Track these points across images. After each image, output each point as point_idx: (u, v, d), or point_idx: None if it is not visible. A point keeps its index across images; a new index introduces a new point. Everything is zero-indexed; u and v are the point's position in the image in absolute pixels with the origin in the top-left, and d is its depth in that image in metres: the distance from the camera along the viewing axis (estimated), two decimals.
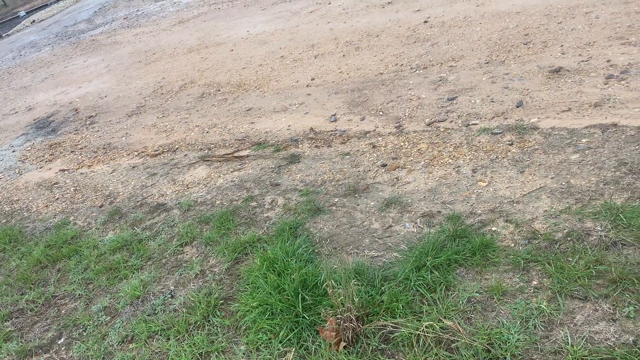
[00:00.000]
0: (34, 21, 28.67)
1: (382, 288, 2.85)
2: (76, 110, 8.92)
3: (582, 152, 3.53)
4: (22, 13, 35.00)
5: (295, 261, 3.19)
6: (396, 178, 3.99)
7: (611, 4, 5.62)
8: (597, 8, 5.66)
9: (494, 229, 3.11)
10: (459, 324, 2.52)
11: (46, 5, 34.28)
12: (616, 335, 2.27)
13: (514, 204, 3.26)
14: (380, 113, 5.23)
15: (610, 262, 2.59)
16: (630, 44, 4.77)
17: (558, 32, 5.49)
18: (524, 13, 6.21)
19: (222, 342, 2.90)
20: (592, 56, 4.80)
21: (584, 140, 3.67)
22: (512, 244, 2.94)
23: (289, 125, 5.63)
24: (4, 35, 27.08)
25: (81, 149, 6.98)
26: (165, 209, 4.62)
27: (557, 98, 4.38)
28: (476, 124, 4.42)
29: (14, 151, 7.84)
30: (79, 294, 3.75)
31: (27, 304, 3.83)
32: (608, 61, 4.62)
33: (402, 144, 4.49)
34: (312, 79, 6.71)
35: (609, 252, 2.67)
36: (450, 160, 3.98)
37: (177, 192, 4.89)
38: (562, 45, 5.19)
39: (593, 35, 5.14)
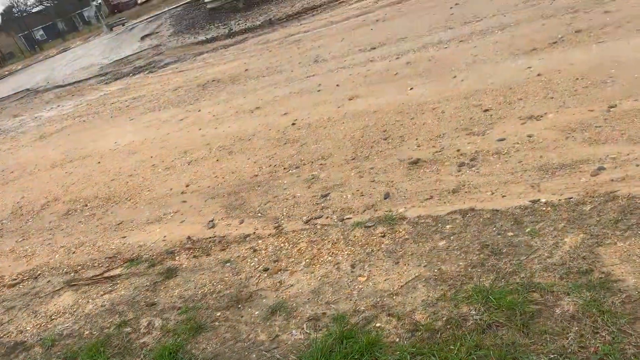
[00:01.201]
0: None
1: None
2: None
3: (448, 238, 3.76)
4: None
5: None
6: (279, 282, 3.93)
7: (453, 100, 6.32)
8: (442, 104, 6.32)
9: (378, 325, 3.12)
10: None
11: None
12: None
13: (394, 297, 3.32)
14: (259, 214, 5.23)
15: (489, 346, 2.69)
16: (474, 134, 5.34)
17: (412, 126, 6.01)
18: (380, 111, 6.76)
19: None
20: (444, 147, 5.28)
21: (447, 226, 3.93)
22: (397, 339, 2.96)
23: (165, 236, 5.41)
24: None
25: None
26: (25, 347, 4.08)
27: (419, 187, 4.70)
28: (350, 217, 4.56)
29: None
30: None
31: None
32: (458, 150, 5.10)
33: (282, 245, 4.48)
34: (187, 186, 6.60)
35: (486, 335, 2.78)
36: (329, 258, 4.02)
37: (38, 325, 4.37)
38: (417, 139, 5.67)
39: (442, 128, 5.70)
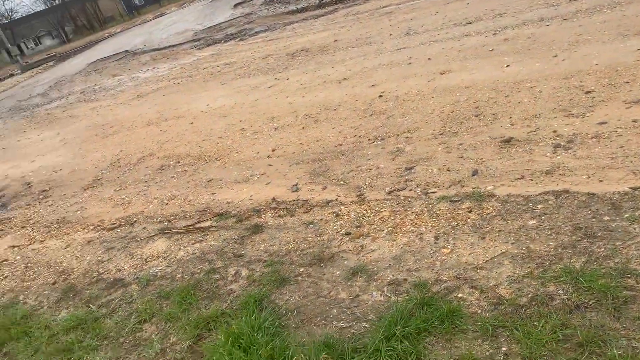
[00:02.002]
0: None
1: None
2: (29, 184, 8.67)
3: (539, 218, 3.66)
4: None
5: (262, 335, 3.09)
6: (361, 246, 4.01)
7: (552, 79, 6.04)
8: (540, 83, 6.06)
9: (460, 295, 3.13)
10: None
11: None
12: None
13: (478, 270, 3.31)
14: (342, 182, 5.31)
15: (576, 326, 2.63)
16: (573, 115, 5.10)
17: (506, 104, 5.82)
18: (473, 87, 6.59)
19: None
20: (539, 127, 5.08)
21: (539, 206, 3.82)
22: (479, 310, 2.96)
23: (251, 196, 5.63)
24: None
25: (33, 224, 6.73)
26: (123, 284, 4.45)
27: (510, 166, 4.58)
28: (435, 192, 4.54)
29: None
30: None
31: None
32: (554, 131, 4.90)
33: (364, 212, 4.55)
34: (273, 150, 6.80)
35: (573, 315, 2.72)
36: (412, 228, 4.04)
37: (135, 266, 4.74)
38: (510, 117, 5.49)
39: (538, 108, 5.48)
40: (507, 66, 6.96)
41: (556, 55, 6.76)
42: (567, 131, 4.84)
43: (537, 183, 4.19)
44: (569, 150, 4.52)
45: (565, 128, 4.91)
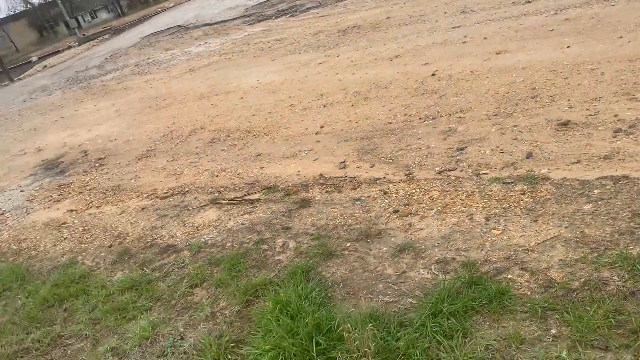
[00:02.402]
0: (45, 66, 29.41)
1: (398, 334, 2.81)
2: (85, 152, 9.03)
3: (595, 203, 3.56)
4: (34, 58, 35.94)
5: (309, 304, 3.16)
6: (409, 224, 4.00)
7: (616, 62, 5.79)
8: (602, 65, 5.82)
9: (509, 276, 3.10)
10: None
11: (58, 52, 35.26)
12: None
13: (529, 253, 3.26)
14: (390, 161, 5.29)
15: (630, 312, 2.57)
16: (637, 99, 4.88)
17: (565, 87, 5.62)
18: (530, 68, 6.38)
19: None
20: (599, 111, 4.90)
21: (596, 191, 3.71)
22: (529, 292, 2.93)
23: (299, 171, 5.68)
24: (15, 79, 27.69)
25: (90, 190, 7.03)
26: (175, 250, 4.61)
27: (567, 150, 4.44)
28: (487, 173, 4.47)
29: (22, 191, 7.89)
30: (86, 334, 3.70)
31: (32, 343, 3.77)
32: (615, 116, 4.71)
33: (413, 190, 4.53)
34: (321, 127, 6.82)
35: (628, 302, 2.65)
36: (462, 208, 4.00)
37: (187, 233, 4.89)
38: (569, 100, 5.31)
39: (599, 91, 5.27)
40: (568, 47, 6.70)
41: (621, 37, 6.45)
42: (630, 115, 4.65)
43: (594, 168, 4.06)
44: (631, 136, 4.34)
45: (627, 112, 4.71)
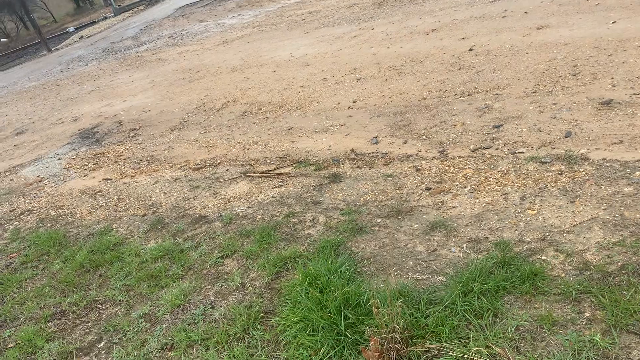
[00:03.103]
0: (82, 37, 29.81)
1: (427, 311, 2.80)
2: (120, 122, 9.17)
3: (637, 185, 3.44)
4: (71, 29, 36.48)
5: (338, 279, 3.17)
6: (441, 202, 3.95)
7: None
8: None
9: (543, 257, 3.03)
10: (507, 352, 2.45)
11: (94, 22, 35.68)
12: None
13: (565, 234, 3.18)
14: (423, 137, 5.21)
15: None
16: None
17: (608, 64, 5.41)
18: (572, 45, 6.16)
19: (262, 355, 2.89)
20: None
21: (637, 173, 3.58)
22: (563, 274, 2.86)
23: (330, 146, 5.66)
24: (53, 49, 28.20)
25: (124, 159, 7.15)
26: (207, 221, 4.67)
27: (608, 130, 4.29)
28: (523, 152, 4.36)
29: (59, 159, 8.08)
30: (120, 300, 3.80)
31: (69, 306, 3.90)
32: None
33: (446, 168, 4.46)
34: (354, 102, 6.75)
35: None
36: (497, 187, 3.92)
37: (218, 205, 4.94)
38: (612, 78, 5.11)
39: None
40: (613, 22, 6.42)
41: None
42: None
43: (637, 149, 3.91)
44: None
45: None
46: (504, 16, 8.10)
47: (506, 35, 7.24)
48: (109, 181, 6.47)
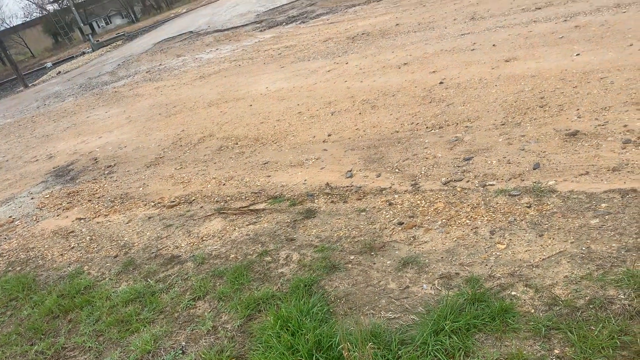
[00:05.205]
0: (59, 72, 29.73)
1: (399, 352, 2.78)
2: (96, 159, 9.09)
3: (602, 217, 3.50)
4: (49, 64, 36.39)
5: (310, 320, 3.14)
6: (413, 237, 3.97)
7: (626, 70, 5.71)
8: (611, 74, 5.74)
9: (513, 293, 3.05)
10: None
11: (72, 58, 35.65)
12: None
13: (534, 268, 3.21)
14: (396, 170, 5.26)
15: (636, 333, 2.51)
16: None
17: (574, 96, 5.56)
18: (539, 77, 6.32)
19: None
20: (608, 121, 4.83)
21: (603, 205, 3.65)
22: (532, 310, 2.88)
23: (305, 180, 5.67)
24: (29, 85, 28.04)
25: (99, 198, 7.07)
26: (180, 261, 4.61)
27: (575, 161, 4.38)
28: (493, 184, 4.42)
29: (32, 198, 7.96)
30: (89, 346, 3.70)
31: (36, 355, 3.78)
32: (625, 126, 4.64)
33: (418, 202, 4.49)
34: (329, 135, 6.80)
35: (634, 322, 2.59)
36: (467, 221, 3.96)
37: (191, 244, 4.89)
38: (578, 109, 5.25)
39: (609, 100, 5.20)
40: (577, 55, 6.62)
41: (631, 45, 6.37)
42: (639, 126, 4.58)
43: (602, 180, 4.00)
44: None
45: (637, 123, 4.64)
46: (473, 49, 8.30)
47: (475, 68, 7.41)
48: (82, 221, 6.38)
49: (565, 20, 8.28)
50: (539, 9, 9.61)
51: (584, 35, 7.27)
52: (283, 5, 23.96)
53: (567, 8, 9.01)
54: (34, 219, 6.99)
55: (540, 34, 8.02)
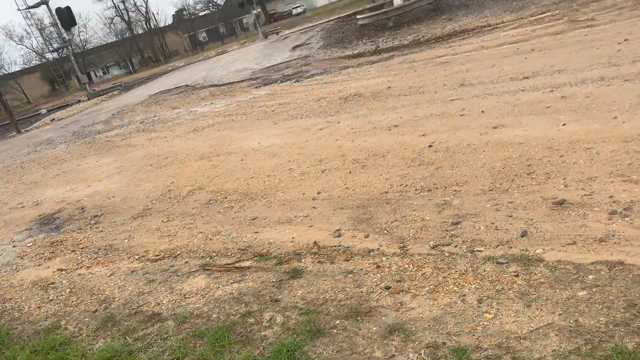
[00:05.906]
0: (53, 119, 29.94)
1: None
2: (83, 208, 9.01)
3: (590, 290, 3.48)
4: (44, 111, 36.70)
5: None
6: (400, 303, 3.91)
7: (611, 142, 5.84)
8: (597, 144, 5.87)
9: None
10: None
11: (68, 105, 36.00)
12: None
13: (521, 340, 3.15)
14: (385, 232, 5.25)
15: None
16: (632, 181, 4.88)
17: (560, 164, 5.65)
18: (526, 144, 6.44)
19: None
20: (594, 191, 4.89)
21: (590, 276, 3.64)
22: None
23: (293, 238, 5.63)
24: (22, 130, 28.13)
25: (82, 248, 6.95)
26: (160, 319, 4.49)
27: (562, 230, 4.40)
28: (481, 250, 4.41)
29: (14, 246, 7.81)
30: None
31: None
32: (611, 197, 4.70)
33: (406, 266, 4.45)
34: (318, 193, 6.82)
35: None
36: (455, 288, 3.92)
37: (173, 301, 4.78)
38: (564, 178, 5.32)
39: (595, 171, 5.28)
40: (563, 125, 6.79)
41: (616, 117, 6.54)
42: (625, 197, 4.63)
43: (589, 251, 4.00)
44: (626, 218, 4.31)
45: (622, 194, 4.70)
46: (462, 115, 8.48)
47: (464, 133, 7.55)
48: (63, 272, 6.24)
49: (551, 91, 8.53)
50: (527, 78, 9.91)
51: (570, 106, 7.47)
52: (279, 64, 24.55)
53: (553, 79, 9.31)
54: (14, 268, 6.83)
55: (527, 102, 8.24)
